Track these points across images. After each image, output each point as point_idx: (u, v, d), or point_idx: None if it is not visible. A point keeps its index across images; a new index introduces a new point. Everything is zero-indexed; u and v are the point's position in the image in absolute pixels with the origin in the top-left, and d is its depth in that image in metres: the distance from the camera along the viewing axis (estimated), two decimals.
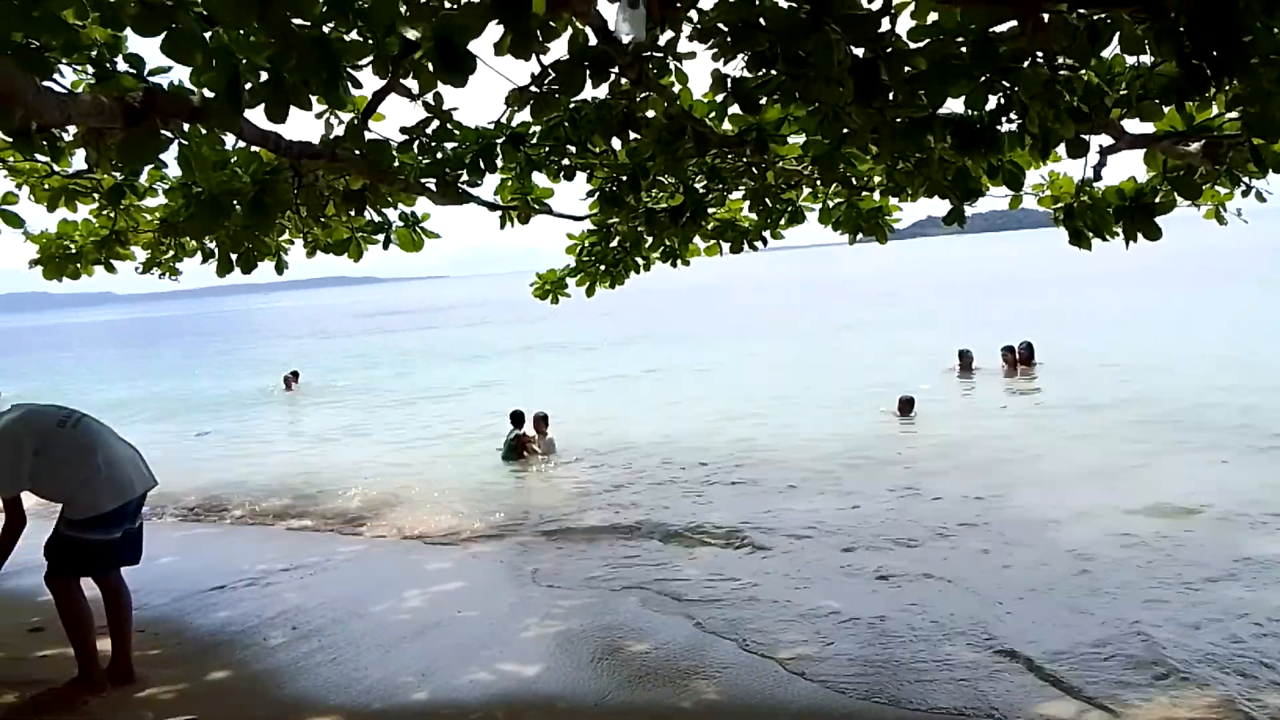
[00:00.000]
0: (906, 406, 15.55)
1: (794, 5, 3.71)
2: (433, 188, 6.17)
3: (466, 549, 9.25)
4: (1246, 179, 5.81)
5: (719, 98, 4.95)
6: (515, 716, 5.30)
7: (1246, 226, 6.52)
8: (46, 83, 3.85)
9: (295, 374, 26.77)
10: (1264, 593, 6.72)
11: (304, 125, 5.68)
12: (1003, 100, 4.37)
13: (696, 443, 14.43)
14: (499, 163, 6.18)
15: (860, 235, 7.71)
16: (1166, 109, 4.79)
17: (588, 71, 4.51)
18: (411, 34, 3.97)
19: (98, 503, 5.37)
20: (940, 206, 6.37)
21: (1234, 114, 4.87)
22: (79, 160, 5.87)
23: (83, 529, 5.40)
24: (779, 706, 5.28)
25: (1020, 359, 19.13)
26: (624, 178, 6.57)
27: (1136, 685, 5.29)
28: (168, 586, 8.28)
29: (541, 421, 14.78)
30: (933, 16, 4.07)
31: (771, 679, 5.64)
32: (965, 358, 19.65)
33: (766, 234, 8.24)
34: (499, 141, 6.04)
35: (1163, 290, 36.53)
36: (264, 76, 3.73)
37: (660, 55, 4.81)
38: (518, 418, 14.56)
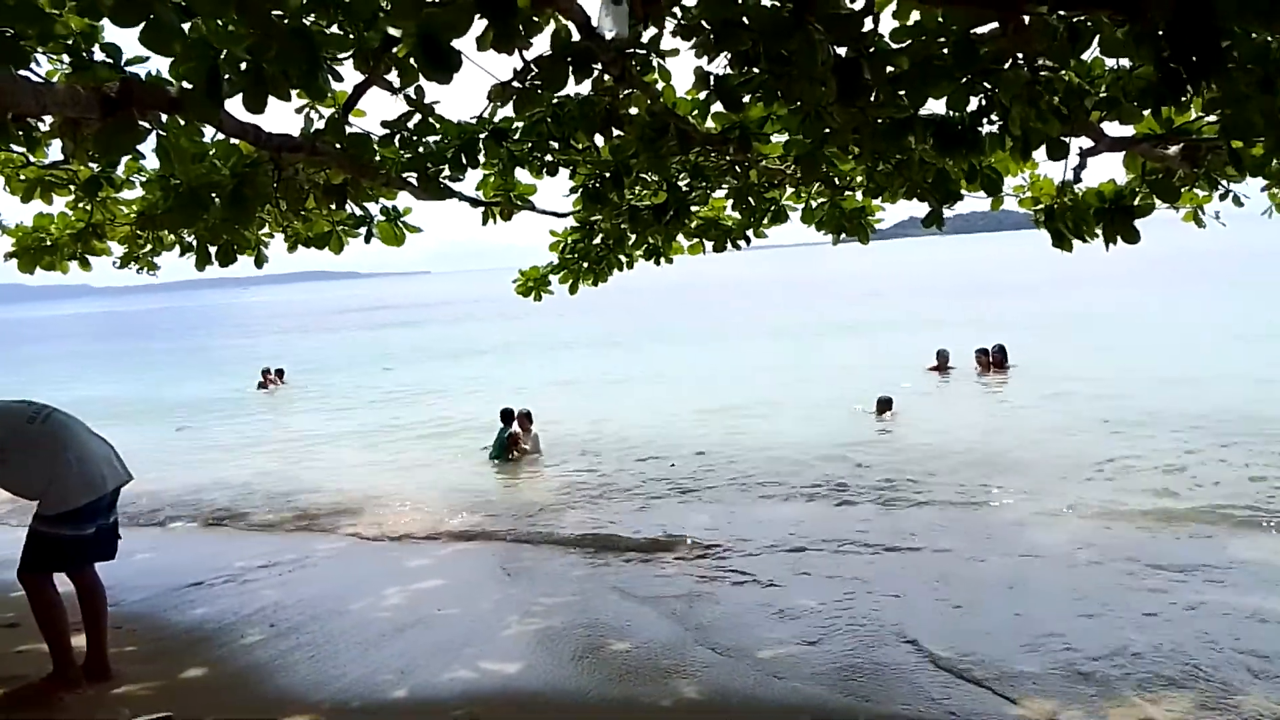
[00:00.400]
0: (884, 406, 15.85)
1: (777, 4, 3.71)
2: (414, 182, 6.13)
3: (447, 547, 9.23)
4: (1224, 182, 5.86)
5: (702, 95, 4.95)
6: (495, 714, 5.29)
7: (1224, 230, 6.58)
8: (22, 72, 3.80)
9: (280, 371, 26.66)
10: (1232, 593, 6.78)
11: (284, 118, 5.64)
12: (984, 101, 4.40)
13: (678, 442, 14.45)
14: (481, 158, 6.16)
15: (843, 235, 7.74)
16: (1145, 112, 4.83)
17: (570, 67, 4.49)
18: (394, 31, 3.95)
19: (69, 498, 5.33)
20: (922, 208, 6.40)
21: (1212, 117, 4.90)
22: (55, 151, 5.81)
23: (55, 524, 5.35)
24: (758, 706, 5.29)
25: (993, 361, 19.47)
26: (607, 175, 6.56)
27: (1112, 690, 5.32)
28: (145, 583, 8.21)
29: (525, 419, 14.84)
30: (915, 17, 4.09)
31: (751, 679, 5.65)
32: (942, 357, 20.03)
33: (749, 233, 8.25)
34: (481, 137, 6.02)
35: (1138, 292, 36.85)
36: (243, 67, 3.70)
37: (643, 52, 4.80)
38: (508, 415, 14.52)
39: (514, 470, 13.54)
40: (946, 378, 19.62)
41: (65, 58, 4.37)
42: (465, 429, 16.58)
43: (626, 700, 5.40)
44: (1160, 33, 3.54)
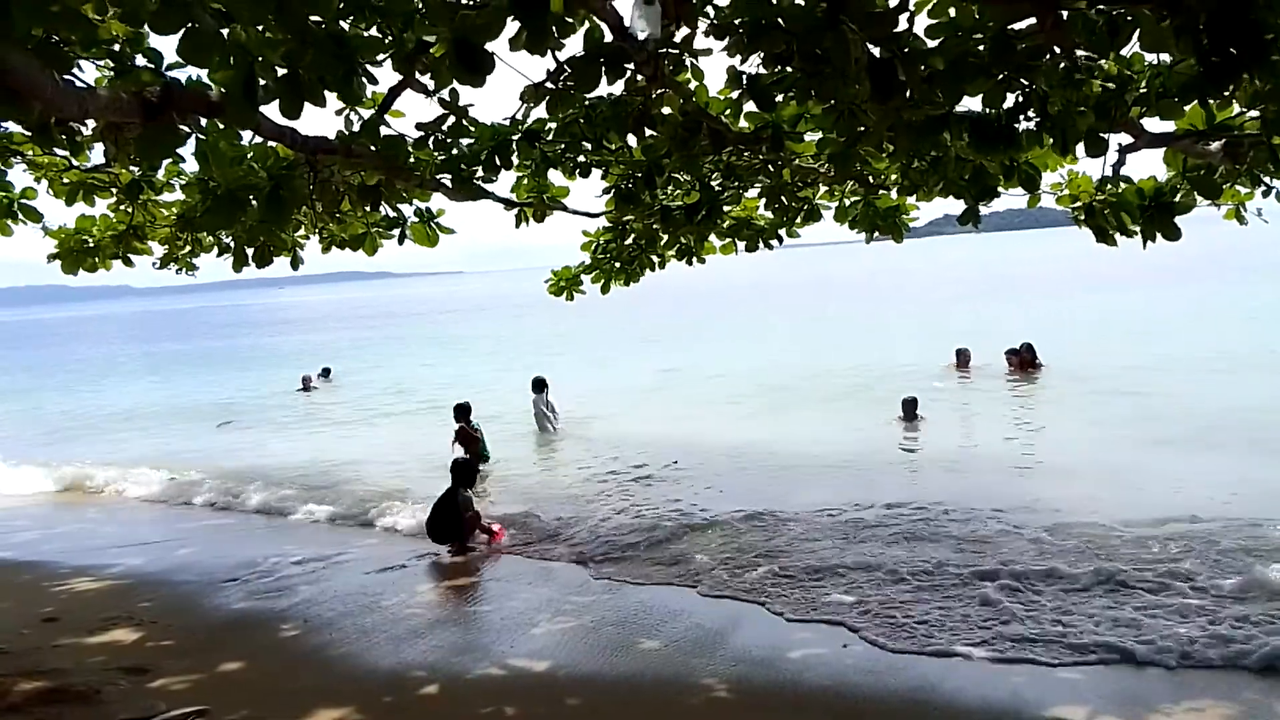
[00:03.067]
0: (910, 409, 14.85)
1: (811, 2, 3.69)
2: (448, 184, 6.18)
3: (479, 544, 9.26)
4: (1268, 179, 5.74)
5: (735, 95, 4.94)
6: (525, 710, 5.31)
7: (1267, 227, 6.45)
8: (65, 77, 3.87)
9: (326, 370, 27.07)
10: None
11: (320, 120, 5.70)
12: (1020, 98, 4.35)
13: (707, 440, 14.36)
14: (514, 159, 6.19)
15: (876, 234, 7.68)
16: (1186, 107, 4.75)
17: (603, 68, 4.50)
18: (429, 36, 3.98)
19: None
20: (958, 205, 6.34)
21: (1255, 113, 4.81)
22: (97, 155, 5.92)
23: None
24: (787, 705, 5.27)
25: (1023, 361, 18.67)
26: (639, 175, 6.57)
27: (1153, 677, 5.26)
28: (181, 577, 8.35)
29: (539, 385, 15.93)
30: (950, 13, 4.04)
31: (780, 675, 5.63)
32: (963, 356, 19.19)
33: (782, 232, 8.22)
34: (514, 138, 6.05)
35: (1175, 289, 36.09)
36: (280, 73, 3.74)
37: (676, 52, 4.80)
38: (463, 411, 13.50)
39: (544, 466, 13.56)
40: (969, 376, 18.79)
41: (109, 63, 4.45)
42: (501, 428, 16.65)
43: (656, 697, 5.41)
44: (1201, 26, 3.49)
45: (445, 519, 9.25)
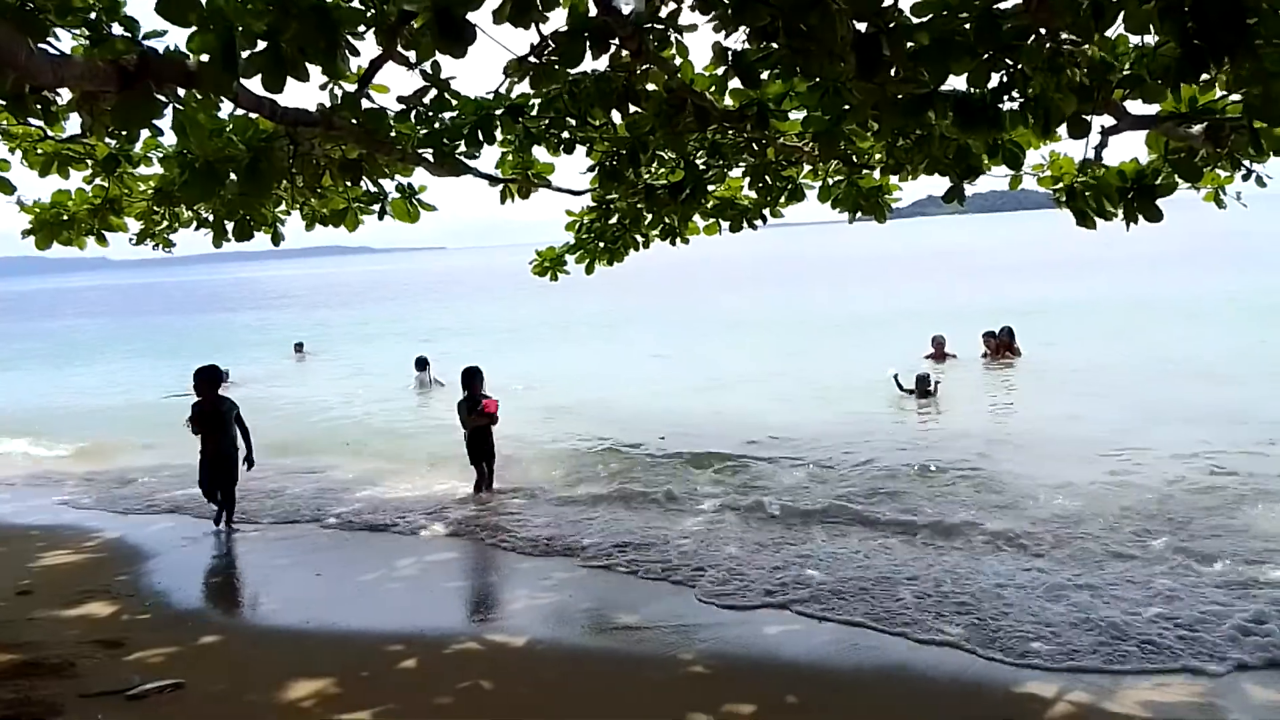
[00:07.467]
0: (924, 385, 14.54)
1: None
2: (430, 158, 6.13)
3: (455, 519, 9.25)
4: (1247, 163, 5.78)
5: (720, 71, 4.93)
6: (502, 687, 5.32)
7: (1245, 210, 6.50)
8: (40, 45, 3.80)
9: (299, 344, 26.99)
10: (1252, 570, 6.73)
11: (299, 91, 5.64)
12: (1005, 78, 4.35)
13: (683, 419, 14.33)
14: (498, 134, 6.14)
15: (860, 214, 7.69)
16: (1169, 90, 4.77)
17: (588, 43, 4.47)
18: (411, 6, 3.93)
19: None
20: (941, 185, 6.35)
21: (1237, 96, 4.84)
22: (73, 126, 5.83)
23: None
24: (765, 678, 5.32)
25: (1001, 344, 18.03)
26: (624, 152, 6.54)
27: (1120, 669, 5.33)
28: (159, 551, 8.30)
29: (421, 363, 18.04)
30: None
31: (759, 650, 5.68)
32: (938, 343, 18.39)
33: (766, 212, 8.22)
34: (498, 113, 6.00)
35: (1156, 274, 36.28)
36: (261, 45, 3.69)
37: (661, 27, 4.77)
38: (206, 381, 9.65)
39: (522, 442, 13.44)
40: (943, 363, 17.85)
41: (85, 30, 4.37)
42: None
43: (634, 673, 5.44)
44: (1185, 9, 3.50)
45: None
